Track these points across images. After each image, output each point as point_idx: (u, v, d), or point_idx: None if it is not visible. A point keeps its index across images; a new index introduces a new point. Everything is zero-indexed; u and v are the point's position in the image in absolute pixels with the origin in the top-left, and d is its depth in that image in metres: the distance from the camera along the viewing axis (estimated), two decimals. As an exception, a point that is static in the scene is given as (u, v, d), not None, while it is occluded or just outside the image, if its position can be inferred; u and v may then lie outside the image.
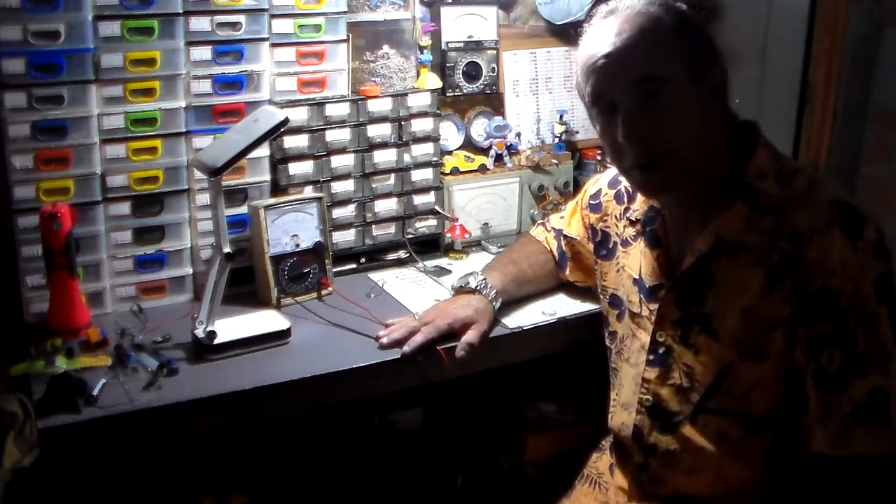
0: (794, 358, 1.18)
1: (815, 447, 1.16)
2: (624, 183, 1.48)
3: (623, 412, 1.40)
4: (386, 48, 1.96)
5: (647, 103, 1.19)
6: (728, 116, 1.28)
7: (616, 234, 1.48)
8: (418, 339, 1.45)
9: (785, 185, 1.22)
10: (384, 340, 1.47)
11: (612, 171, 1.55)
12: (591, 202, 1.56)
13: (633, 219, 1.43)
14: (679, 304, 1.30)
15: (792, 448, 1.23)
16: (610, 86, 1.22)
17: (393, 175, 1.89)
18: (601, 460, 1.53)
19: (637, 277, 1.39)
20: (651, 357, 1.34)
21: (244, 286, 1.72)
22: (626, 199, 1.47)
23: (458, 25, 2.04)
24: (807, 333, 1.17)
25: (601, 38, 1.23)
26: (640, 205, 1.42)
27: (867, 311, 1.13)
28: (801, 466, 1.20)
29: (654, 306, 1.33)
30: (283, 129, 1.52)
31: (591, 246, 1.56)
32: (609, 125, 1.24)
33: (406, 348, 1.45)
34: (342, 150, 1.83)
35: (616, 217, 1.49)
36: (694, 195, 1.27)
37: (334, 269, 1.79)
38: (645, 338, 1.35)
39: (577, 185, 2.07)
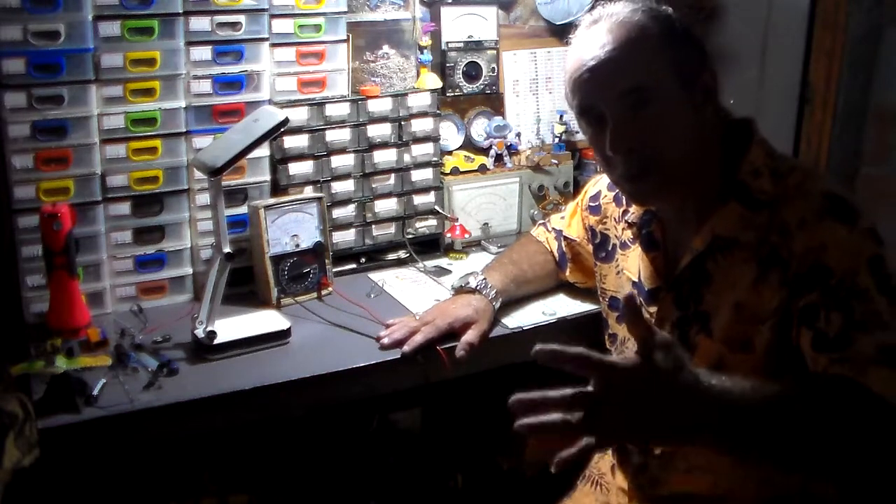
0: (798, 341, 1.13)
1: (829, 370, 1.08)
2: None
3: (622, 413, 1.40)
4: (386, 48, 1.96)
5: (635, 114, 1.18)
6: (722, 115, 1.27)
7: (615, 236, 1.48)
8: (418, 338, 1.45)
9: (779, 182, 1.21)
10: (385, 341, 1.47)
11: (612, 170, 1.55)
12: (591, 204, 1.56)
13: (630, 221, 1.42)
14: (678, 305, 1.29)
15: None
16: (596, 99, 1.21)
17: (393, 175, 1.89)
18: (603, 460, 1.53)
19: (636, 280, 1.38)
20: None
21: (244, 286, 1.72)
22: (624, 202, 1.46)
23: (458, 25, 2.04)
24: (797, 305, 1.13)
25: (586, 49, 1.21)
26: (637, 207, 1.41)
27: (859, 285, 1.10)
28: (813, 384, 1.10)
29: (654, 308, 1.33)
30: (283, 129, 1.52)
31: (590, 247, 1.56)
32: (598, 137, 1.23)
33: (406, 348, 1.45)
34: (342, 150, 1.83)
35: (615, 219, 1.48)
36: (689, 197, 1.27)
37: (334, 269, 1.79)
38: None
39: (578, 185, 2.07)
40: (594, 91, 1.21)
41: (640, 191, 1.26)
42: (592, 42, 1.21)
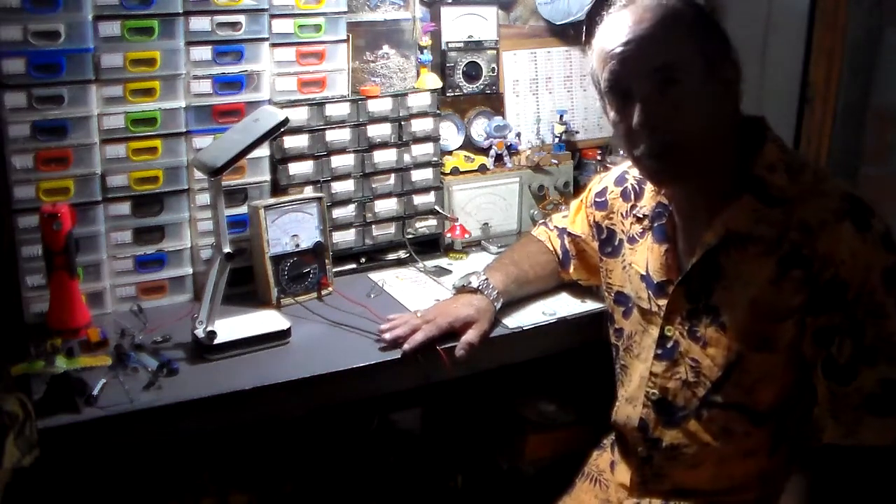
0: (802, 349, 1.19)
1: (825, 439, 1.17)
2: (630, 181, 1.48)
3: (628, 406, 1.41)
4: (386, 48, 1.96)
5: (662, 92, 1.20)
6: (737, 112, 1.29)
7: (622, 231, 1.48)
8: (419, 337, 1.46)
9: (794, 178, 1.23)
10: (386, 336, 1.47)
11: (618, 169, 1.55)
12: (597, 200, 1.56)
13: (639, 215, 1.43)
14: (688, 298, 1.31)
15: (795, 439, 1.24)
16: (627, 73, 1.23)
17: (393, 175, 1.89)
18: (602, 458, 1.53)
19: (644, 274, 1.39)
20: (659, 351, 1.34)
21: (244, 286, 1.72)
22: (632, 197, 1.47)
23: (458, 25, 2.04)
24: (815, 323, 1.18)
25: (620, 26, 1.24)
26: (647, 201, 1.42)
27: (875, 302, 1.14)
28: (811, 458, 1.20)
29: (663, 301, 1.34)
30: (283, 129, 1.52)
31: (595, 243, 1.56)
32: (624, 112, 1.25)
33: (406, 346, 1.45)
34: (342, 150, 1.83)
35: (622, 214, 1.49)
36: (703, 187, 1.28)
37: (334, 269, 1.79)
38: (655, 332, 1.35)
39: (577, 185, 2.07)
40: (625, 65, 1.22)
41: (662, 170, 1.27)
42: (627, 20, 1.23)
